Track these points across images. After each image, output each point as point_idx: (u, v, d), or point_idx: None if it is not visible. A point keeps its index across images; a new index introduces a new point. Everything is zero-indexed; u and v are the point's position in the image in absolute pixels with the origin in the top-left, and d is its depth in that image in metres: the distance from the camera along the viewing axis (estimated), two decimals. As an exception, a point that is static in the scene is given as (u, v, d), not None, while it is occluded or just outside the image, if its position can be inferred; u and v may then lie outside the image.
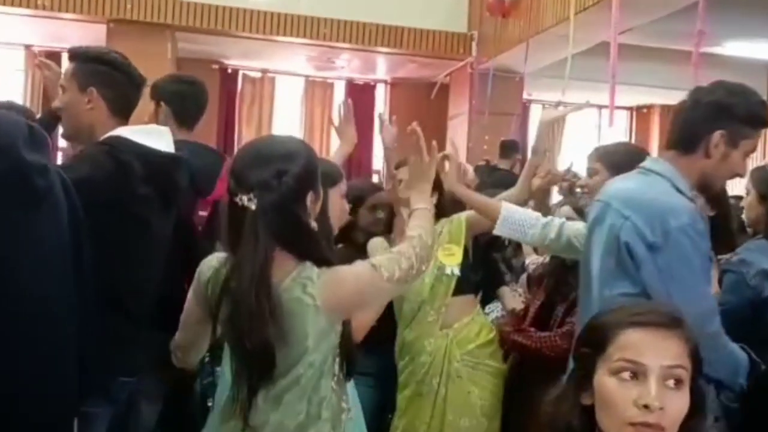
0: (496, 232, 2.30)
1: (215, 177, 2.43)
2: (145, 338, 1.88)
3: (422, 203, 1.66)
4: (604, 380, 1.09)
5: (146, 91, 2.22)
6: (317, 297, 1.45)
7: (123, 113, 1.97)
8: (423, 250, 1.55)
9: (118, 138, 1.87)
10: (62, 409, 1.53)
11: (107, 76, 1.94)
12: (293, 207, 1.46)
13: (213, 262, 1.57)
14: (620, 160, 2.17)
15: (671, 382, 1.07)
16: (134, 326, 1.86)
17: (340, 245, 2.38)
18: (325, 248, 1.53)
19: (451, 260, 2.48)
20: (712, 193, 2.03)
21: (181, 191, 1.99)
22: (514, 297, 2.94)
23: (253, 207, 1.43)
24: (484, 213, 2.35)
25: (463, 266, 2.50)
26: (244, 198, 1.43)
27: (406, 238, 1.57)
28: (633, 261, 1.68)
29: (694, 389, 1.10)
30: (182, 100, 2.52)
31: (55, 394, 1.47)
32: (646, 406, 1.04)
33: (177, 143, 2.17)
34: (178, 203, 2.01)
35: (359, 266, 1.52)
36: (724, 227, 2.42)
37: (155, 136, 1.94)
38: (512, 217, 2.25)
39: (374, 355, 2.35)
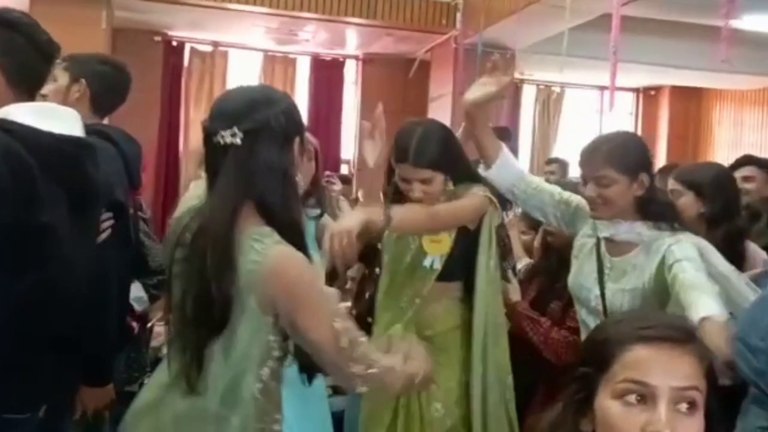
0: (484, 171, 2.42)
1: (139, 168, 2.54)
2: (49, 364, 1.81)
3: None
4: (607, 404, 1.09)
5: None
6: (259, 272, 1.46)
7: (25, 86, 1.85)
8: (383, 381, 1.56)
9: (4, 121, 1.70)
10: None
11: (6, 40, 1.82)
12: (280, 149, 1.51)
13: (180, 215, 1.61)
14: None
15: (683, 406, 1.07)
16: (29, 351, 1.77)
17: None
18: (296, 219, 1.53)
19: (436, 249, 2.43)
20: None
21: (94, 186, 1.89)
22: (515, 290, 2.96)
23: (238, 141, 1.48)
24: (481, 146, 2.42)
25: (448, 258, 2.45)
26: (227, 134, 1.48)
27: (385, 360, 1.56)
28: None
29: (709, 413, 1.10)
30: (107, 85, 2.53)
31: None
32: None
33: (102, 128, 2.17)
34: (94, 202, 1.93)
35: (319, 291, 1.53)
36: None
37: (57, 117, 1.80)
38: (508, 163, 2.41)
39: None
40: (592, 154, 2.20)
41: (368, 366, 1.52)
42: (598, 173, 2.16)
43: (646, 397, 1.07)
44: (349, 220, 2.06)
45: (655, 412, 1.06)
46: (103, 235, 2.10)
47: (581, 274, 2.32)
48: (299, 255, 1.51)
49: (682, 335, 1.11)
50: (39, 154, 1.65)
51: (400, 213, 2.25)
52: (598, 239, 2.29)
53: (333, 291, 1.66)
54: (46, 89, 2.27)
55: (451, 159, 2.40)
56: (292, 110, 1.57)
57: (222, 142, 1.49)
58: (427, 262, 2.45)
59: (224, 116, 1.52)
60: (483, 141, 2.41)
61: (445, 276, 2.47)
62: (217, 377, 1.51)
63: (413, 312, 2.46)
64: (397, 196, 2.45)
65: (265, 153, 1.50)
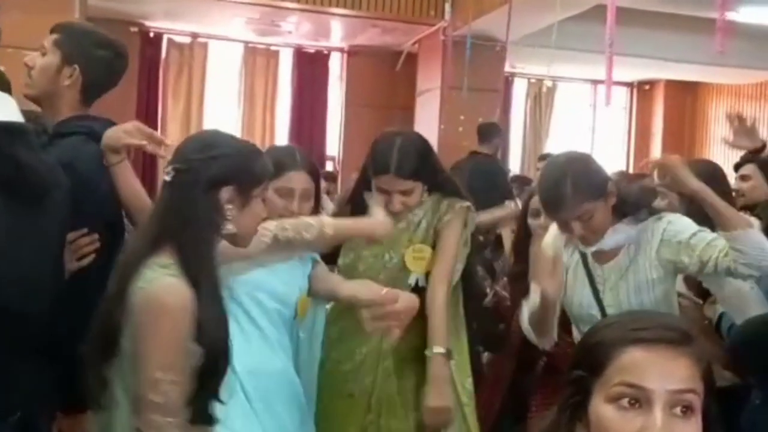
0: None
1: None
2: (24, 370, 1.77)
3: None
4: (601, 408, 1.09)
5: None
6: (138, 297, 1.54)
7: None
8: None
9: None
10: None
11: None
12: (202, 194, 1.60)
13: None
14: None
15: (679, 410, 1.07)
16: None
17: None
18: (204, 264, 1.58)
19: (420, 267, 2.41)
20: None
21: (31, 172, 1.81)
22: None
23: (168, 178, 1.62)
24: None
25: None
26: (168, 169, 1.64)
27: None
28: None
29: (707, 415, 1.11)
30: (104, 73, 2.31)
31: None
32: None
33: (91, 124, 2.12)
34: (36, 191, 1.84)
35: (172, 336, 1.53)
36: None
37: None
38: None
39: None
40: (559, 200, 2.14)
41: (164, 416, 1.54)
42: (577, 213, 2.13)
43: (641, 400, 1.07)
44: None
45: (651, 416, 1.06)
46: (85, 261, 2.03)
47: (575, 295, 2.32)
48: (183, 291, 1.54)
49: (678, 337, 1.11)
50: None
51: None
52: (583, 255, 2.30)
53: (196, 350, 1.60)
54: (32, 60, 2.21)
55: (431, 169, 2.41)
56: (233, 158, 1.65)
57: (165, 177, 1.65)
58: (411, 280, 2.41)
59: (175, 152, 1.69)
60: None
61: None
62: (120, 398, 1.61)
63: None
64: (360, 207, 2.42)
65: (184, 194, 1.61)
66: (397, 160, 2.30)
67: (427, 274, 2.41)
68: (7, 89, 2.02)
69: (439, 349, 2.32)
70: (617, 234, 2.22)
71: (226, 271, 1.84)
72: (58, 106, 2.19)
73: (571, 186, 2.10)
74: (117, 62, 2.34)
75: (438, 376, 2.32)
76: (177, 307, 1.53)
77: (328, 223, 2.06)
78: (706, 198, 2.12)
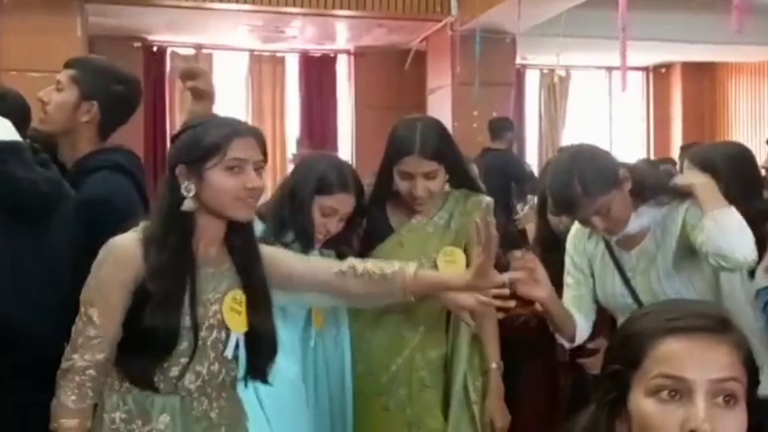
0: None
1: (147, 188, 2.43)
2: None
3: None
4: (641, 402, 1.08)
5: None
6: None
7: None
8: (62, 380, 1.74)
9: None
10: None
11: None
12: (165, 176, 1.78)
13: None
14: None
15: (722, 399, 1.06)
16: None
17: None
18: (160, 234, 1.73)
19: (453, 270, 2.34)
20: None
21: (30, 189, 1.85)
22: None
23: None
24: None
25: None
26: None
27: None
28: None
29: (751, 405, 1.10)
30: (121, 108, 2.37)
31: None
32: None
33: (110, 156, 2.19)
34: (36, 208, 1.88)
35: (101, 275, 1.72)
36: None
37: None
38: None
39: None
40: (571, 202, 2.13)
41: (70, 358, 1.69)
42: (593, 210, 2.12)
43: (681, 392, 1.06)
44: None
45: (693, 407, 1.04)
46: None
47: (606, 285, 2.30)
48: (132, 244, 1.72)
49: (715, 324, 1.10)
50: None
51: None
52: (607, 243, 2.29)
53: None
54: (47, 95, 2.23)
55: (452, 154, 2.40)
56: (182, 139, 1.79)
57: None
58: None
59: None
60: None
61: None
62: None
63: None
64: (381, 202, 2.44)
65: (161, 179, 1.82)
66: (420, 141, 2.30)
67: None
68: (27, 115, 2.05)
69: (496, 364, 2.40)
70: (641, 218, 2.20)
71: (298, 301, 1.94)
72: (77, 141, 2.25)
73: (579, 185, 2.08)
74: (133, 97, 2.44)
75: (499, 392, 2.39)
76: (119, 252, 1.71)
77: (411, 264, 1.94)
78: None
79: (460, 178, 2.45)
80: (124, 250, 1.71)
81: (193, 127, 1.77)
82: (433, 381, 2.42)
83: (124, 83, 2.37)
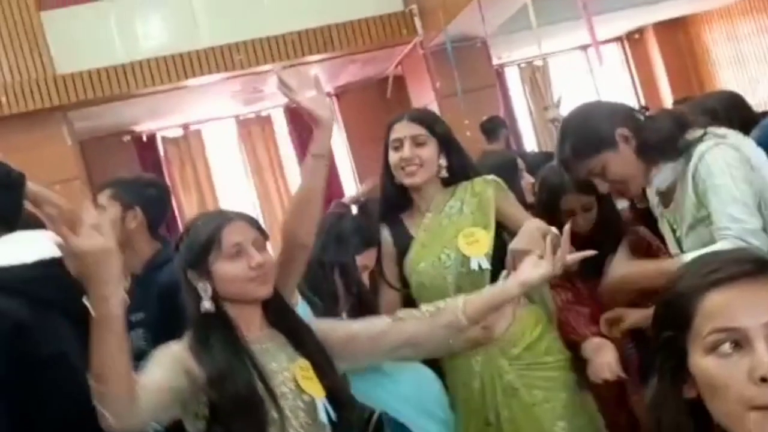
0: None
1: None
2: None
3: None
4: (702, 362, 1.05)
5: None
6: None
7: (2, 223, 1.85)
8: None
9: None
10: None
11: None
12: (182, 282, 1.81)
13: None
14: None
15: (782, 340, 1.03)
16: None
17: None
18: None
19: (477, 250, 2.32)
20: None
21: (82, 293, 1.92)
22: None
23: None
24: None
25: (494, 256, 2.32)
26: None
27: None
28: None
29: None
30: (160, 207, 2.69)
31: None
32: (764, 380, 1.00)
33: (169, 246, 2.26)
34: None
35: None
36: None
37: (20, 242, 1.81)
38: None
39: None
40: (563, 162, 2.16)
41: None
42: (586, 169, 2.11)
43: (740, 342, 1.02)
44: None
45: (755, 354, 1.01)
46: None
47: (670, 247, 2.24)
48: (174, 348, 1.74)
49: (756, 267, 1.07)
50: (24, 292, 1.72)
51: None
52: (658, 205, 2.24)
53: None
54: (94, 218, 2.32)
55: (446, 132, 2.44)
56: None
57: None
58: (474, 265, 2.32)
59: None
60: None
61: (496, 277, 2.23)
62: None
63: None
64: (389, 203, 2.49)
65: None
66: (411, 111, 2.51)
67: (486, 255, 2.34)
68: (21, 184, 2.04)
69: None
70: (663, 172, 2.13)
71: (352, 360, 1.90)
72: (137, 248, 2.54)
73: (569, 147, 2.13)
74: (166, 195, 2.82)
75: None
76: (170, 352, 1.72)
77: (457, 297, 1.90)
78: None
79: (460, 163, 2.45)
80: (173, 351, 1.73)
81: (186, 232, 1.84)
82: (525, 384, 2.35)
83: (154, 185, 2.73)
